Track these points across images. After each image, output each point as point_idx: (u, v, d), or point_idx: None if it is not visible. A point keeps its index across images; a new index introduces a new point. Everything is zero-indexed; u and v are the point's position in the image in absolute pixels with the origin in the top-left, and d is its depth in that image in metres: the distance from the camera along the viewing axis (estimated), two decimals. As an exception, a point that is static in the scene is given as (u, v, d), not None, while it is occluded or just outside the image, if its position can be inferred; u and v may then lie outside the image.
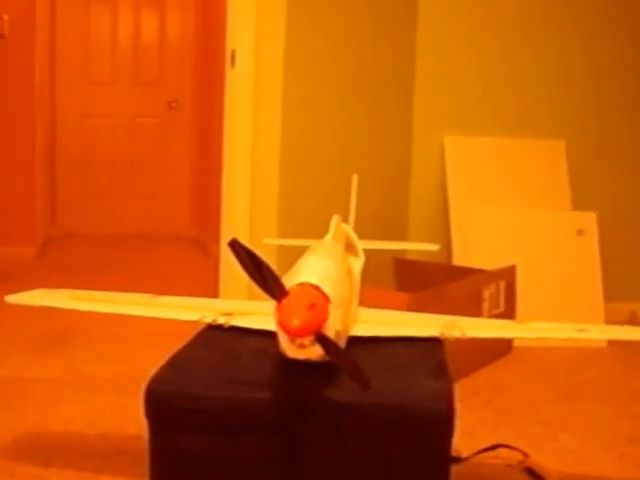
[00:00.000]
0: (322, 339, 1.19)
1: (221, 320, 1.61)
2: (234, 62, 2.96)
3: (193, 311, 1.67)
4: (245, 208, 3.01)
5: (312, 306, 1.17)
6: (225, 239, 3.10)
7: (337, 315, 1.27)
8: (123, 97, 6.17)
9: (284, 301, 1.18)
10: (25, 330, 3.27)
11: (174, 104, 6.20)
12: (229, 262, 3.07)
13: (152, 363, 2.47)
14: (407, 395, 1.31)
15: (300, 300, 1.18)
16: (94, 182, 6.17)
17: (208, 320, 1.62)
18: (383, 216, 3.45)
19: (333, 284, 1.28)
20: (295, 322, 1.14)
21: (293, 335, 1.17)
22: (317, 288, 1.22)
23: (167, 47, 6.24)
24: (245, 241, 2.85)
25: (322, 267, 1.31)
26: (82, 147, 6.12)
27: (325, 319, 1.20)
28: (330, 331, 1.23)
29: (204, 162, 5.79)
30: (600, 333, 2.03)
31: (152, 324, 3.03)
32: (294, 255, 1.40)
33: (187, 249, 5.82)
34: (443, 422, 1.28)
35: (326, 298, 1.22)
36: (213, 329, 1.61)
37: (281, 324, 1.17)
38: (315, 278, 1.24)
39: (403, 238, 3.67)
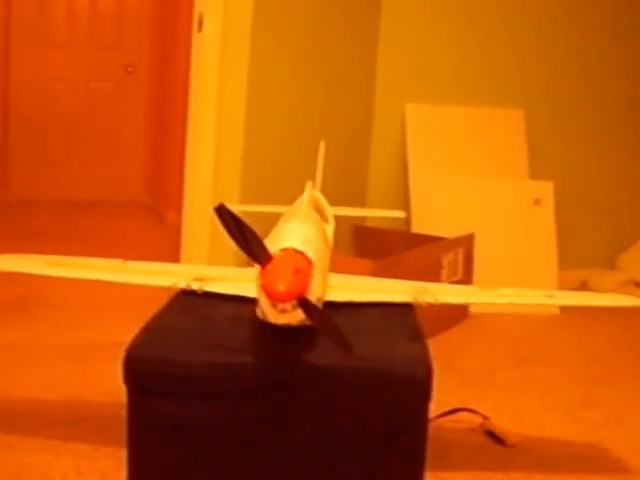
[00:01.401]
0: (305, 304, 1.19)
1: (194, 286, 1.60)
2: (201, 26, 2.92)
3: (166, 277, 1.65)
4: (208, 174, 2.98)
5: (297, 271, 1.18)
6: (187, 205, 3.08)
7: (319, 280, 1.28)
8: (79, 60, 5.99)
9: (269, 266, 1.18)
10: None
11: (131, 69, 6.07)
12: (190, 229, 3.05)
13: (112, 330, 2.46)
14: (387, 360, 1.32)
15: (285, 265, 1.18)
16: (47, 147, 6.02)
17: (182, 285, 1.61)
18: (342, 183, 3.45)
19: (315, 249, 1.29)
20: (281, 287, 1.14)
21: (278, 300, 1.17)
22: (301, 253, 1.23)
23: (125, 9, 6.08)
24: (208, 207, 2.84)
25: (304, 232, 1.32)
26: (36, 111, 5.94)
27: (308, 284, 1.21)
28: (313, 296, 1.24)
29: (160, 129, 5.70)
30: (567, 299, 2.09)
31: (110, 291, 3.02)
32: (257, 221, 1.38)
33: (141, 215, 5.75)
34: (422, 386, 1.30)
35: (310, 263, 1.23)
36: (187, 295, 1.61)
37: (266, 289, 1.17)
38: (298, 243, 1.24)
39: (361, 205, 3.68)
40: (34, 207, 5.72)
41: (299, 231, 1.32)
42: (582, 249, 3.92)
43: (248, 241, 1.18)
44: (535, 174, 3.73)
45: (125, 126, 6.13)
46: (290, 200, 1.86)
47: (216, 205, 1.16)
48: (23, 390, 2.27)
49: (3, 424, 2.00)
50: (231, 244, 1.19)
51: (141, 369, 1.31)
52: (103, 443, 1.89)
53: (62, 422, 2.04)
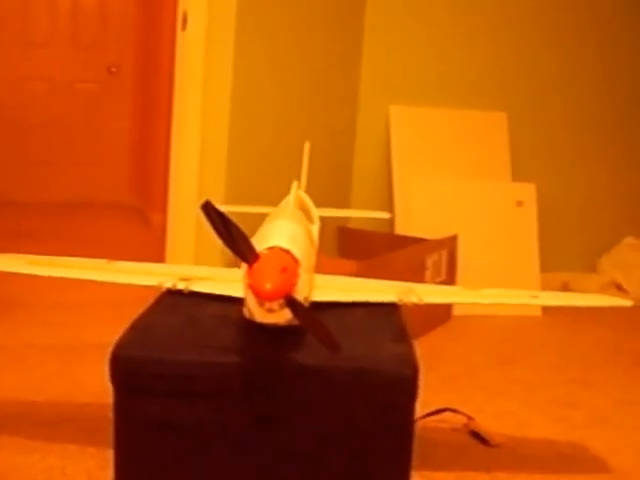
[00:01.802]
0: (292, 303, 1.19)
1: (180, 285, 1.60)
2: (185, 25, 2.92)
3: (151, 276, 1.65)
4: (193, 175, 2.98)
5: (284, 270, 1.17)
6: (172, 206, 3.07)
7: (306, 279, 1.28)
8: (61, 60, 5.95)
9: (255, 265, 1.18)
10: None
11: (114, 69, 6.03)
12: (175, 230, 3.05)
13: (98, 331, 2.45)
14: (373, 359, 1.33)
15: (272, 264, 1.17)
16: (29, 148, 5.97)
17: (168, 285, 1.60)
18: (327, 184, 3.46)
19: (301, 248, 1.29)
20: (268, 286, 1.14)
21: (265, 299, 1.17)
22: (288, 252, 1.22)
23: (108, 8, 6.03)
24: (193, 208, 2.84)
25: (290, 231, 1.32)
26: (16, 112, 5.91)
27: (295, 283, 1.21)
28: (300, 295, 1.24)
29: (144, 130, 5.68)
30: (552, 300, 2.10)
31: (96, 292, 3.01)
32: (242, 222, 1.38)
33: (126, 217, 5.72)
34: (408, 385, 1.31)
35: (296, 262, 1.23)
36: (172, 294, 1.60)
37: (253, 287, 1.16)
38: (285, 242, 1.24)
39: (346, 206, 3.69)
40: (16, 208, 5.69)
41: (285, 230, 1.32)
42: (564, 251, 3.95)
43: (235, 239, 1.18)
44: (517, 176, 3.75)
45: (109, 127, 6.09)
46: (275, 201, 1.86)
47: (203, 202, 1.16)
48: (8, 391, 2.26)
49: (-14, 425, 2.00)
50: (217, 242, 1.19)
51: (128, 368, 1.31)
52: (89, 443, 1.89)
53: (48, 423, 2.04)
